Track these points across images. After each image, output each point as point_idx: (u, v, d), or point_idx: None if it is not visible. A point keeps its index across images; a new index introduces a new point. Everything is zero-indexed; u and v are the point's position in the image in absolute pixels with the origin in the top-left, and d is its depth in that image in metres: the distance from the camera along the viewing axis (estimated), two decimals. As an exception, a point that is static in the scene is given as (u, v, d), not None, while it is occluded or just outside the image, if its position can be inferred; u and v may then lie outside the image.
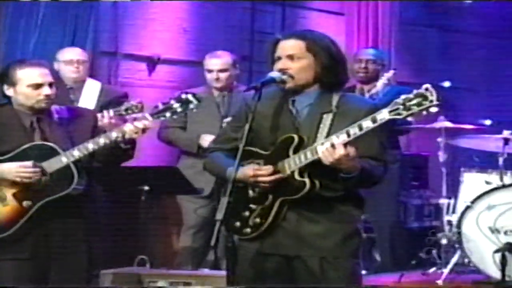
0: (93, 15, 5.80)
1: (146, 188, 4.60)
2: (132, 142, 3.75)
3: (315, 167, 3.11)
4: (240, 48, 6.51)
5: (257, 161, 3.21)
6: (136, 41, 6.35)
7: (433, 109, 2.92)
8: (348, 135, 3.03)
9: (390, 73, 5.49)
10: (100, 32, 5.92)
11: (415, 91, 2.94)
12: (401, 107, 2.94)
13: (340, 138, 3.02)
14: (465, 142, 5.61)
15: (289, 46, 3.20)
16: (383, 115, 2.99)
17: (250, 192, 3.22)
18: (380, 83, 5.38)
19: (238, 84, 5.31)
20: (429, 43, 7.89)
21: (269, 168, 3.14)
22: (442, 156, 5.39)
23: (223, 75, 5.28)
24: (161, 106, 3.62)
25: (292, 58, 3.18)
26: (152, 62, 6.46)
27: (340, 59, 3.24)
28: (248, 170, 3.15)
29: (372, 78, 5.58)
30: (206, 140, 5.07)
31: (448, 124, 5.39)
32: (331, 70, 3.20)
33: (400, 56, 7.30)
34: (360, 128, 3.01)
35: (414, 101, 2.92)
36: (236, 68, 5.34)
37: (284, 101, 3.25)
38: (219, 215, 2.89)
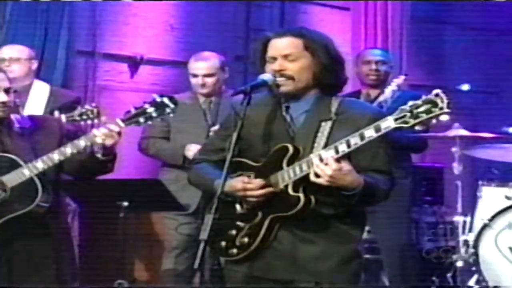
0: (67, 10, 5.80)
1: (125, 204, 4.57)
2: (111, 153, 3.73)
3: (311, 181, 3.08)
4: (233, 47, 6.53)
5: (247, 173, 3.21)
6: (117, 39, 6.36)
7: (444, 117, 2.92)
8: (337, 152, 3.02)
9: (401, 78, 5.45)
10: (76, 29, 5.92)
11: (423, 97, 2.93)
12: (408, 114, 2.94)
13: (329, 153, 3.01)
14: (483, 153, 5.59)
15: (285, 44, 3.19)
16: (388, 123, 2.98)
17: (238, 208, 3.22)
18: (389, 90, 5.34)
19: (227, 88, 5.28)
20: (445, 42, 7.91)
21: (259, 181, 3.14)
22: (457, 168, 5.36)
23: (209, 80, 5.24)
24: (133, 111, 3.61)
25: (289, 58, 3.18)
26: (134, 63, 6.47)
27: (339, 58, 3.24)
28: (236, 183, 3.15)
29: (383, 82, 5.56)
30: (192, 150, 5.05)
31: (464, 132, 5.36)
32: (331, 70, 3.20)
33: (412, 56, 7.30)
34: (362, 138, 3.00)
35: (423, 108, 2.91)
36: (225, 71, 5.32)
37: (277, 108, 3.24)
38: (204, 235, 2.89)
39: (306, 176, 3.08)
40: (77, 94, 5.37)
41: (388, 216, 5.22)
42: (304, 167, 3.08)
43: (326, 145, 3.10)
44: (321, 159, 3.01)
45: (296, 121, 3.21)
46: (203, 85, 5.24)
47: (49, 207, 3.73)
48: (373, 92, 5.53)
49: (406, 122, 2.94)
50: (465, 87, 7.29)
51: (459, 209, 5.41)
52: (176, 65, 6.43)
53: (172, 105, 3.57)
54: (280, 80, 3.17)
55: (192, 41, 6.47)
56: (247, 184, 3.14)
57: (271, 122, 3.22)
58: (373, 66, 5.58)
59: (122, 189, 4.59)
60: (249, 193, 3.14)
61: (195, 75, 5.27)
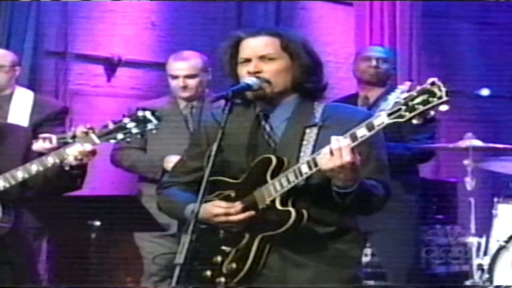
0: (34, 7, 5.83)
1: (97, 223, 4.60)
2: (81, 168, 3.75)
3: (301, 194, 3.13)
4: (223, 47, 6.54)
5: (226, 193, 3.23)
6: (91, 38, 6.39)
7: (443, 107, 2.92)
8: (355, 138, 3.00)
9: (406, 85, 5.46)
10: (45, 27, 5.96)
11: (418, 88, 2.95)
12: (403, 107, 2.95)
13: (345, 142, 3.00)
14: (499, 166, 5.61)
15: (261, 44, 3.23)
16: (381, 119, 2.99)
17: (221, 232, 3.23)
18: (392, 97, 5.35)
19: (210, 91, 5.30)
20: (461, 40, 7.92)
21: (238, 205, 3.15)
22: (470, 183, 5.37)
23: (191, 82, 5.24)
24: (111, 125, 3.62)
25: (265, 59, 3.21)
26: (111, 65, 6.50)
27: (318, 60, 3.28)
28: (213, 208, 3.16)
29: (382, 82, 5.58)
30: (172, 162, 4.97)
31: (477, 143, 5.38)
32: (312, 73, 3.24)
33: (423, 56, 7.33)
34: (354, 138, 3.01)
35: (419, 99, 2.92)
36: (208, 72, 5.32)
37: (253, 117, 3.27)
38: (179, 258, 2.90)
39: (295, 189, 3.11)
40: (63, 104, 5.40)
41: (393, 236, 5.23)
42: (292, 178, 3.10)
43: (312, 154, 3.11)
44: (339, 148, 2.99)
45: (276, 130, 3.24)
46: (184, 88, 5.23)
47: (10, 228, 3.75)
48: (372, 94, 5.53)
49: (401, 116, 2.95)
50: (485, 92, 7.29)
51: (473, 229, 5.41)
52: (158, 67, 6.44)
53: (155, 121, 3.58)
54: (263, 83, 3.19)
55: (176, 40, 6.50)
56: (227, 209, 3.15)
57: (248, 133, 3.25)
58: (373, 63, 5.58)
59: (93, 207, 4.61)
60: (230, 218, 3.15)
61: (175, 77, 5.26)
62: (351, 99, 5.42)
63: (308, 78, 3.23)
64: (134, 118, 3.58)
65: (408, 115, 2.94)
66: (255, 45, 3.23)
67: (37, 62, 5.84)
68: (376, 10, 7.20)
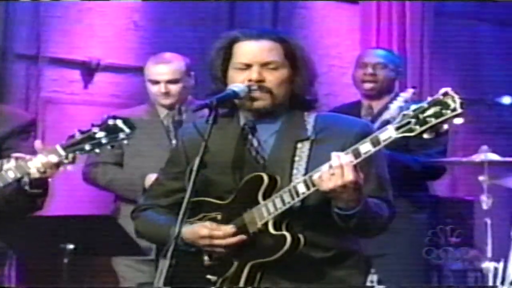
0: (2, 4, 5.84)
1: (70, 247, 4.60)
2: (42, 187, 3.74)
3: (296, 216, 3.13)
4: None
5: (212, 215, 3.23)
6: (67, 40, 6.40)
7: (458, 120, 2.94)
8: (358, 155, 3.01)
9: (409, 92, 5.46)
10: (15, 28, 5.97)
11: (429, 98, 2.95)
12: (413, 120, 2.95)
13: (346, 158, 3.00)
14: (518, 183, 5.62)
15: (265, 50, 3.22)
16: (389, 133, 3.00)
17: (206, 259, 3.23)
18: (394, 106, 5.35)
19: (194, 99, 5.28)
20: (479, 43, 7.92)
21: (230, 228, 3.15)
22: (485, 201, 5.37)
23: (174, 88, 5.20)
24: (78, 135, 3.60)
25: (268, 67, 3.21)
26: (88, 70, 6.51)
27: (316, 70, 3.30)
28: (200, 229, 3.16)
29: (383, 91, 5.56)
30: None
31: (494, 157, 5.39)
32: (312, 84, 3.26)
33: (437, 60, 7.34)
34: (357, 155, 3.02)
35: (431, 111, 2.94)
36: (191, 76, 5.32)
37: (238, 129, 3.27)
38: (158, 283, 2.93)
39: (289, 211, 3.11)
40: (32, 115, 5.39)
41: (401, 261, 5.23)
42: (287, 199, 3.10)
43: (307, 171, 3.12)
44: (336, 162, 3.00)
45: (265, 145, 3.24)
46: (166, 94, 5.19)
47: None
48: (376, 104, 5.51)
49: (411, 130, 2.96)
50: (507, 99, 7.31)
51: (489, 252, 5.42)
52: (141, 72, 6.36)
53: (127, 130, 3.56)
54: (255, 93, 3.19)
55: (162, 42, 6.48)
56: (214, 231, 3.15)
57: (233, 148, 3.24)
58: (369, 70, 5.56)
59: (66, 228, 4.61)
60: (216, 241, 3.15)
61: (155, 82, 5.23)
62: (354, 107, 5.41)
63: (307, 90, 3.25)
64: (104, 127, 3.57)
65: (418, 129, 2.95)
66: (258, 50, 3.22)
67: (5, 66, 5.84)
68: (384, 9, 7.22)
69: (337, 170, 2.98)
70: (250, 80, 3.20)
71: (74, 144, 3.61)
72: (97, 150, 3.60)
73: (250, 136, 3.26)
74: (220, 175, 3.23)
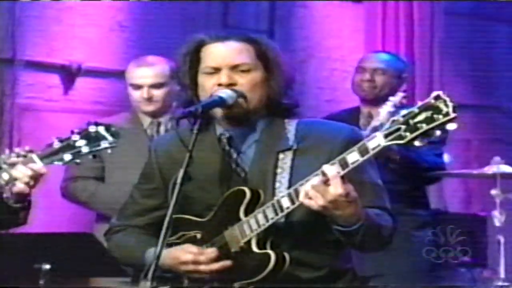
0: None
1: (46, 266, 4.60)
2: (24, 200, 3.74)
3: (280, 233, 3.15)
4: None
5: (192, 233, 3.26)
6: (45, 42, 6.40)
7: (451, 126, 2.95)
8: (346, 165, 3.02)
9: (398, 96, 5.49)
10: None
11: (419, 103, 2.97)
12: (403, 127, 2.97)
13: (332, 170, 3.01)
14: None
15: (233, 51, 3.26)
16: (377, 141, 3.02)
17: (185, 282, 3.25)
18: (384, 111, 5.38)
19: (179, 105, 5.27)
20: (494, 44, 7.92)
21: (211, 252, 3.17)
22: (498, 217, 5.38)
23: (158, 93, 5.22)
24: (57, 144, 3.60)
25: (238, 70, 3.24)
26: (69, 74, 6.50)
27: (292, 73, 3.32)
28: (181, 253, 3.20)
29: (382, 98, 5.59)
30: None
31: (507, 169, 5.40)
32: (289, 87, 3.28)
33: (447, 64, 7.35)
34: (344, 165, 3.03)
35: (421, 117, 2.95)
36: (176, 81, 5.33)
37: (214, 140, 3.29)
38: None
39: (273, 227, 3.13)
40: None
41: (402, 282, 5.27)
42: (270, 214, 3.12)
43: (290, 183, 3.14)
44: (323, 174, 3.02)
45: (244, 156, 3.27)
46: (149, 100, 5.21)
47: None
48: (375, 111, 5.51)
49: (401, 138, 2.97)
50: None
51: (502, 273, 5.42)
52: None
53: (110, 138, 3.58)
54: (240, 98, 3.23)
55: (149, 44, 6.49)
56: (197, 256, 3.18)
57: (210, 161, 3.27)
58: (366, 76, 5.61)
59: (42, 247, 4.62)
60: (201, 268, 3.18)
61: (137, 86, 5.25)
62: (352, 114, 5.45)
63: (285, 93, 3.27)
64: (85, 135, 3.58)
65: (409, 135, 2.97)
66: (226, 52, 3.26)
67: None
68: (390, 9, 7.25)
69: (323, 186, 3.00)
70: (220, 85, 3.23)
71: (53, 153, 3.61)
72: (77, 160, 3.60)
73: (227, 147, 3.29)
74: (198, 191, 3.26)
